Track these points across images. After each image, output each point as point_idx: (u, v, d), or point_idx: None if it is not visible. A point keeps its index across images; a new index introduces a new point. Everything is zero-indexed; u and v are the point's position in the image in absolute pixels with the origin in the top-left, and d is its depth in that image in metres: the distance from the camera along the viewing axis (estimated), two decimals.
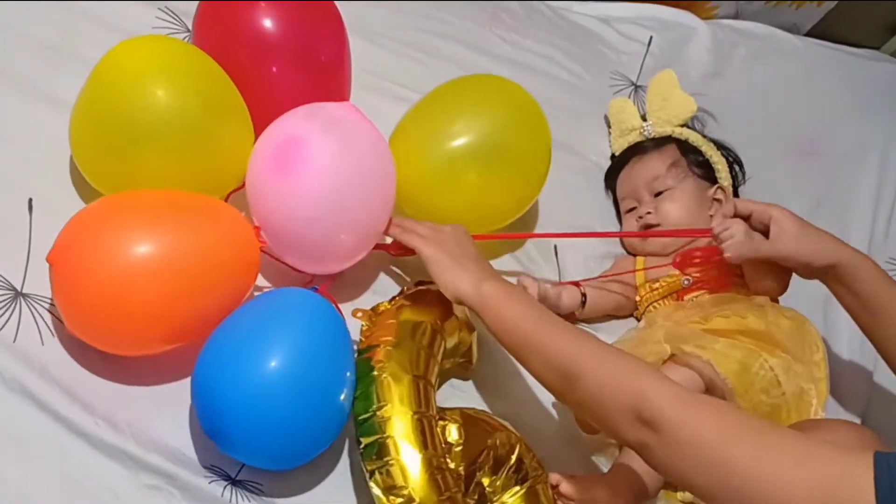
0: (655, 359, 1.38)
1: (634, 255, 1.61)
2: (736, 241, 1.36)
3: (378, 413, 1.15)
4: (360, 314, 1.28)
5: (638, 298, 1.55)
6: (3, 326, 1.18)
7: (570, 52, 1.82)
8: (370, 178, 1.28)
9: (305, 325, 1.17)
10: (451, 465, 1.19)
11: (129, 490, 1.14)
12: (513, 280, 1.34)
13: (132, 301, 1.13)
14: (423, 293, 1.31)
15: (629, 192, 1.62)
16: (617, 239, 1.64)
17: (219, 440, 1.15)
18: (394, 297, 1.31)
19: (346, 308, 1.29)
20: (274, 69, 1.35)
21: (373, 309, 1.29)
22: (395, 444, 1.13)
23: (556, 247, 1.59)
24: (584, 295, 1.49)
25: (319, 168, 1.23)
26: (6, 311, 1.19)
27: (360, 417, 1.16)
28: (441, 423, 1.21)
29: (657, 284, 1.52)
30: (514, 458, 1.26)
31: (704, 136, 1.66)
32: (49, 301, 1.22)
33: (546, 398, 1.40)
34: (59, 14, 1.43)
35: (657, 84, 1.70)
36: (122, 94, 1.22)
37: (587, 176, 1.69)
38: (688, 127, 1.67)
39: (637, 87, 1.83)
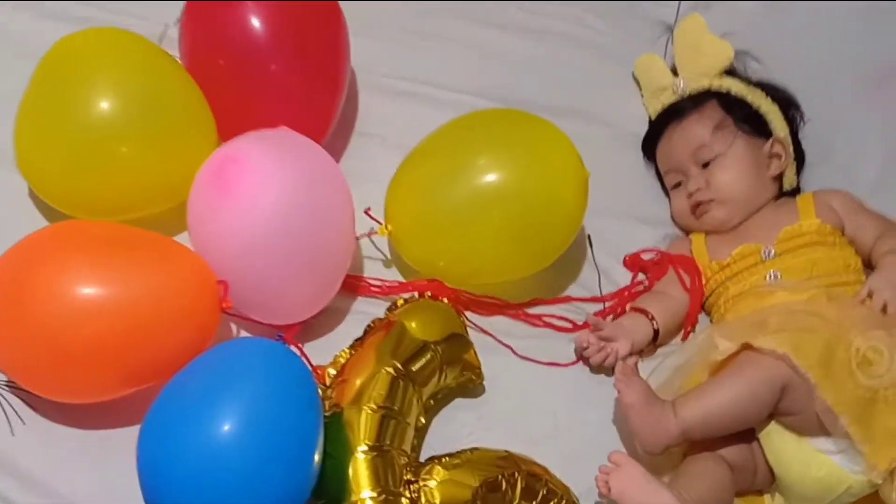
0: (719, 358, 1.22)
1: (688, 235, 1.43)
2: None
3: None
4: (318, 372, 1.18)
5: (704, 282, 1.37)
6: None
7: (594, 6, 1.63)
8: (320, 206, 1.19)
9: (264, 383, 1.07)
10: None
11: None
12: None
13: (71, 340, 1.09)
14: (379, 330, 1.21)
15: (673, 166, 1.43)
16: (665, 223, 1.45)
17: None
18: (354, 342, 1.21)
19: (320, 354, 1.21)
20: (261, 72, 1.29)
21: (332, 363, 1.20)
22: None
23: (589, 237, 1.41)
24: (656, 331, 1.33)
25: (259, 189, 1.16)
26: None
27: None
28: (414, 486, 1.12)
29: (727, 261, 1.35)
30: (517, 490, 1.15)
31: (749, 82, 1.44)
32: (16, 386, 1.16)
33: (572, 428, 1.28)
34: None
35: (683, 33, 1.48)
36: (68, 89, 1.21)
37: (624, 148, 1.50)
38: (728, 74, 1.44)
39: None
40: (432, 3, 1.58)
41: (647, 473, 1.14)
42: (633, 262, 1.39)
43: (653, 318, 1.32)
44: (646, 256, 1.39)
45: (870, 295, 1.24)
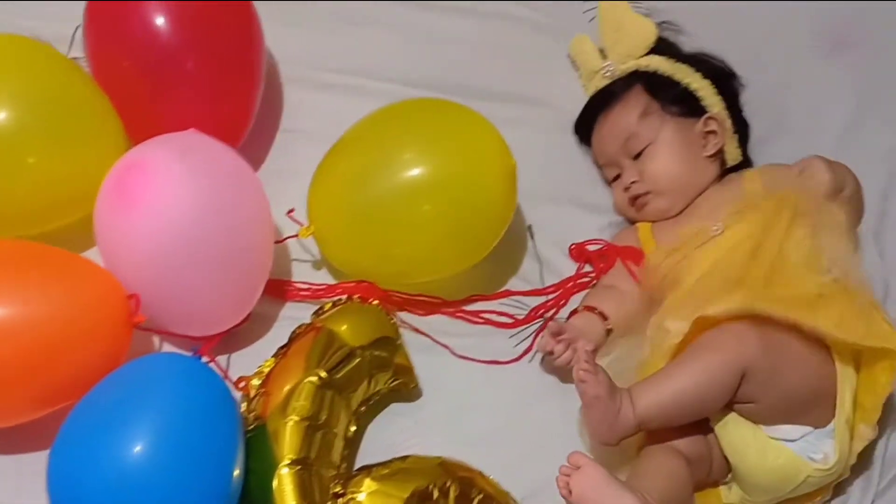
0: (675, 342, 1.17)
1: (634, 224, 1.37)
2: None
3: None
4: (241, 384, 1.12)
5: None
6: None
7: None
8: (231, 211, 1.13)
9: (175, 400, 1.03)
10: None
11: None
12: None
13: None
14: (303, 337, 1.15)
15: (607, 160, 1.37)
16: (611, 210, 1.39)
17: None
18: (279, 350, 1.16)
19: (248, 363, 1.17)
20: (169, 72, 1.23)
21: (256, 374, 1.14)
22: None
23: (529, 227, 1.36)
24: (608, 330, 1.27)
25: (164, 196, 1.10)
26: None
27: None
28: (342, 499, 1.08)
29: (676, 244, 1.29)
30: (450, 498, 1.10)
31: (677, 58, 1.36)
32: None
33: (515, 429, 1.23)
34: None
35: (606, 13, 1.40)
36: None
37: (566, 132, 1.43)
38: (656, 52, 1.37)
39: None
40: None
41: (609, 475, 1.09)
42: (578, 253, 1.33)
43: (605, 319, 1.26)
44: (592, 248, 1.33)
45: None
